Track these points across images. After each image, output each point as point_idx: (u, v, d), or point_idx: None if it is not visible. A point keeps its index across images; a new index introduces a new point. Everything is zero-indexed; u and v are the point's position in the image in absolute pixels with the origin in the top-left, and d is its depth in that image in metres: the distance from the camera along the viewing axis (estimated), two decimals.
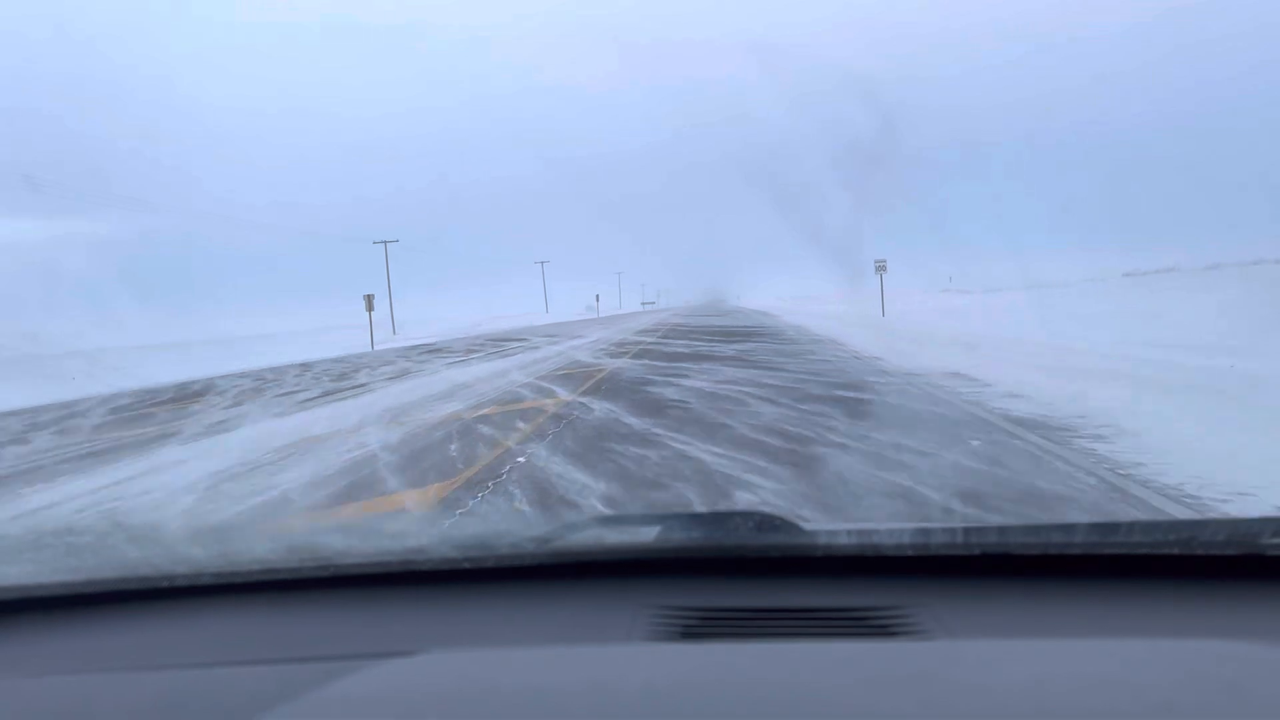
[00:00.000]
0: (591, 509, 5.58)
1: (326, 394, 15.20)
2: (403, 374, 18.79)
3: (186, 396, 16.25)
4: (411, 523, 4.55)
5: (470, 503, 5.97)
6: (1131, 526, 1.63)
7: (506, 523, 4.18)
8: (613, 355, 20.56)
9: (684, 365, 16.52)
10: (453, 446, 8.31)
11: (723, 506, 5.53)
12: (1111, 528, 1.64)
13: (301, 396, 14.92)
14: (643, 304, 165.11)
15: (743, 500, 5.64)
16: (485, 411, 10.86)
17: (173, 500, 6.73)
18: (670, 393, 11.88)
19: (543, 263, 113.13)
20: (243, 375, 21.08)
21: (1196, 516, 4.83)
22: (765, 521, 1.71)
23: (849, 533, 1.65)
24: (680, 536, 1.71)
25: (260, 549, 1.85)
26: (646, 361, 17.96)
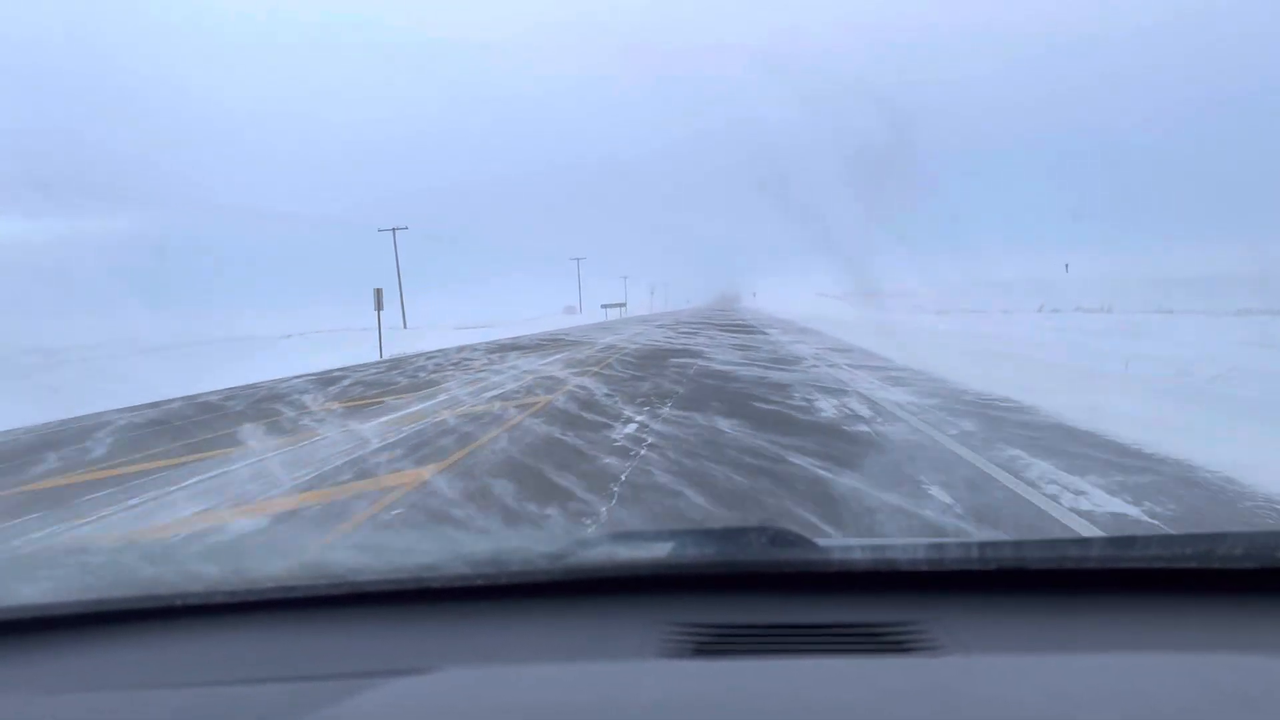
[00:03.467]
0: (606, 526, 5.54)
1: None
2: None
3: None
4: (426, 540, 4.55)
5: None
6: (1148, 541, 1.61)
7: (519, 539, 4.18)
8: None
9: None
10: None
11: (737, 524, 5.51)
12: (1128, 542, 1.63)
13: None
14: (604, 308, 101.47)
15: None
16: None
17: None
18: None
19: (394, 230, 66.66)
20: None
21: (1214, 530, 4.79)
22: (779, 537, 1.71)
23: (863, 548, 1.65)
24: (694, 552, 1.71)
25: (274, 566, 1.86)
26: None
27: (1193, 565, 1.49)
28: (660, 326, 49.99)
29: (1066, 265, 53.94)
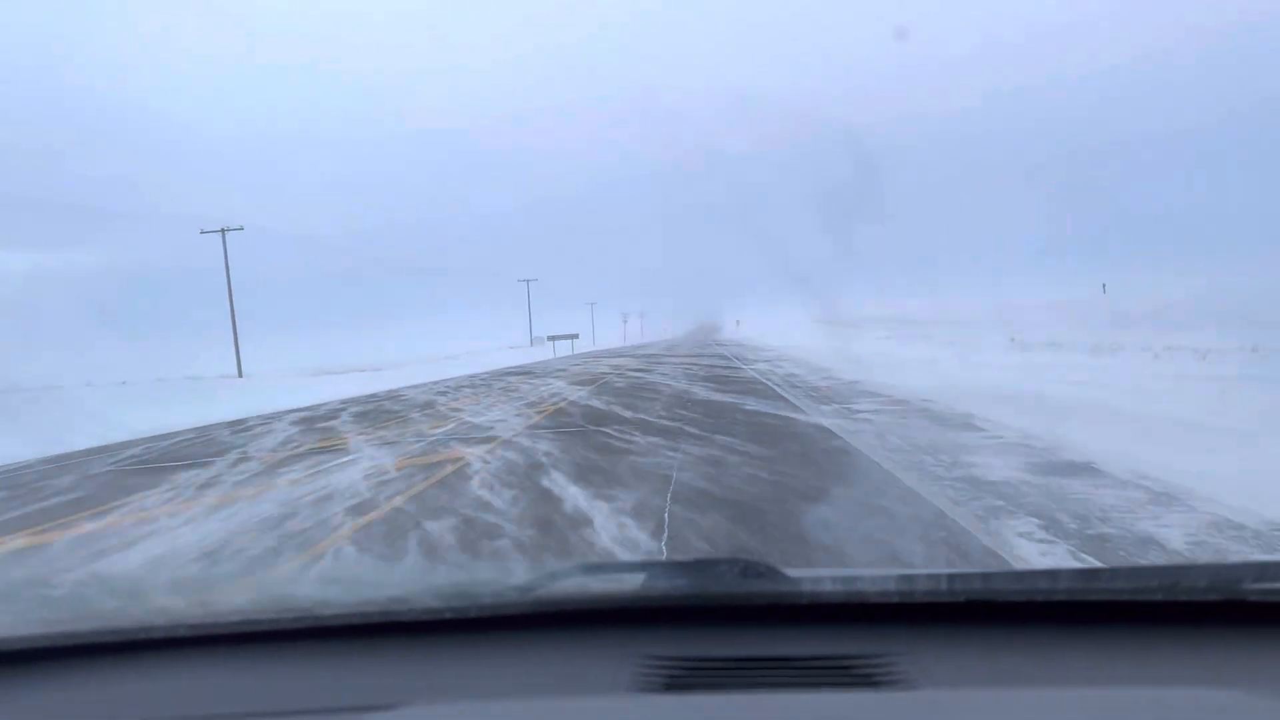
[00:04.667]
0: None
1: None
2: None
3: None
4: (394, 573, 4.50)
5: None
6: (1115, 573, 1.63)
7: (490, 571, 4.14)
8: None
9: None
10: None
11: (707, 556, 5.48)
12: (1095, 574, 1.65)
13: None
14: (551, 340, 77.64)
15: None
16: None
17: None
18: None
19: (225, 231, 47.77)
20: None
21: (1180, 563, 4.84)
22: (750, 568, 1.70)
23: (833, 579, 1.65)
24: (664, 585, 1.70)
25: (239, 600, 1.83)
26: None
27: (1158, 598, 1.51)
28: (552, 410, 17.81)
29: (1104, 285, 48.89)
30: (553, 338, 77.56)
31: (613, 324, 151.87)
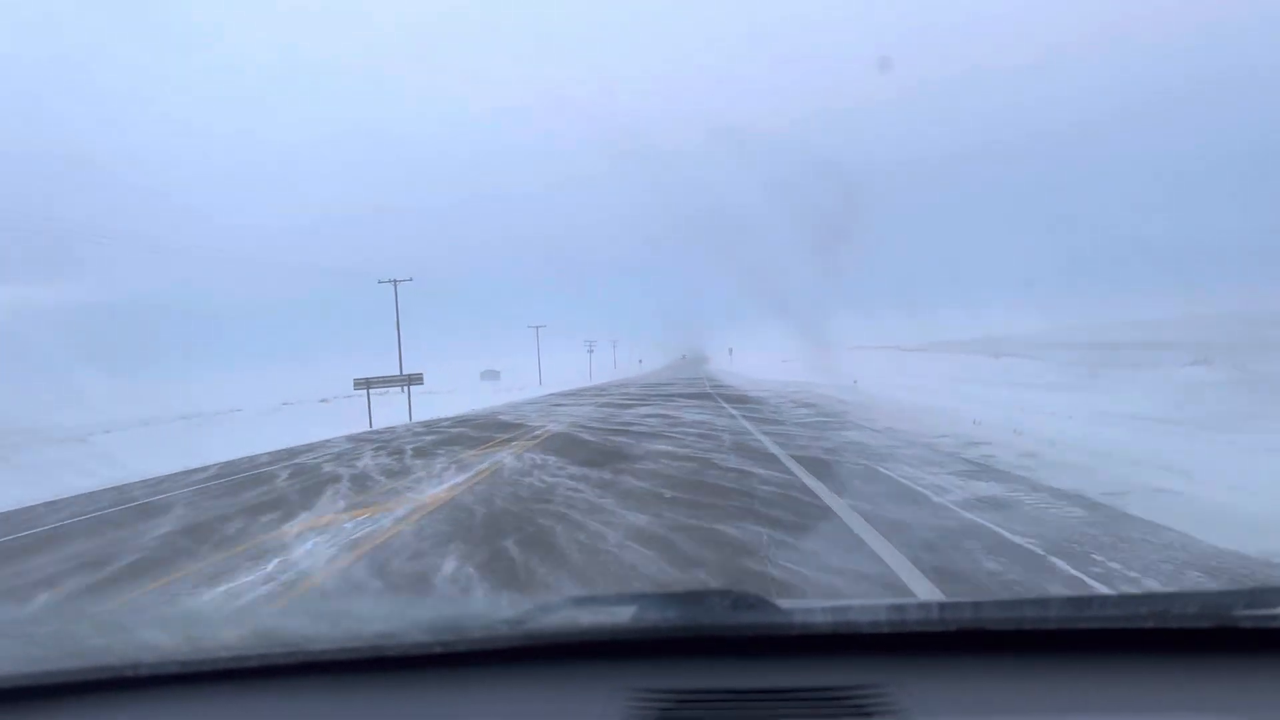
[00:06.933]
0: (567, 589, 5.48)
1: None
2: None
3: None
4: (384, 606, 4.47)
5: None
6: (1105, 600, 1.63)
7: (480, 605, 4.11)
8: None
9: None
10: None
11: (698, 587, 5.49)
12: (1085, 602, 1.65)
13: None
14: (366, 386, 35.13)
15: None
16: None
17: None
18: None
19: None
20: None
21: (1170, 590, 4.84)
22: (741, 600, 1.70)
23: (824, 610, 1.65)
24: (655, 617, 1.70)
25: (227, 635, 1.82)
26: None
27: (1149, 625, 1.51)
28: None
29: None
30: (366, 383, 37.31)
31: (567, 355, 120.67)
